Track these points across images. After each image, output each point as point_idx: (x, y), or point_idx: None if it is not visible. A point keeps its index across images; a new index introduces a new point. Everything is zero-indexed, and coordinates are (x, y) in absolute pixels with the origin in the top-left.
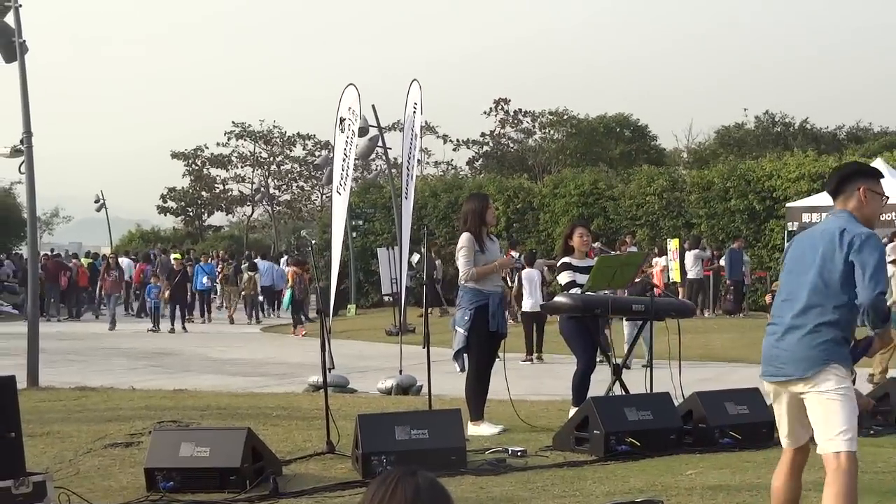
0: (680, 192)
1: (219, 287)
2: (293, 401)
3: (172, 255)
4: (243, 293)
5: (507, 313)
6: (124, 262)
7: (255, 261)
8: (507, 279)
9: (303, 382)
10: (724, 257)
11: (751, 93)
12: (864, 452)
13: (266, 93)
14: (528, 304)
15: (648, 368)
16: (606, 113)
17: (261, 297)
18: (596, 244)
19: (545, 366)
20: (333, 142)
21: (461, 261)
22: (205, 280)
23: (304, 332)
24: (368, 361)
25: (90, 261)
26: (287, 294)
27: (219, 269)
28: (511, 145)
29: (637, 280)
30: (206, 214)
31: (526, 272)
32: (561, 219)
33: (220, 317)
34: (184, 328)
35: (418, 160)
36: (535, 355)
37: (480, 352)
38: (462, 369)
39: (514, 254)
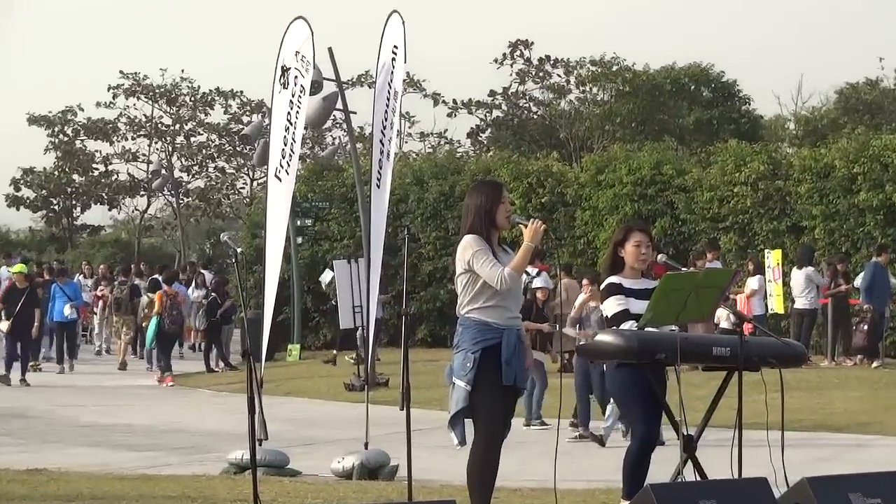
0: (784, 180)
1: (96, 319)
2: (205, 487)
3: (7, 268)
4: (144, 324)
5: (527, 357)
6: None
7: (156, 277)
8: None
9: (221, 459)
10: (861, 276)
11: (890, 36)
12: None
13: (171, 29)
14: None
15: (736, 441)
16: (675, 63)
17: None
18: (660, 257)
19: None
20: (271, 102)
21: (481, 266)
22: (66, 310)
23: (170, 381)
24: (319, 429)
25: None
26: (151, 325)
27: (97, 292)
28: (534, 109)
29: (721, 308)
30: (78, 208)
31: (566, 282)
32: (607, 219)
33: (95, 359)
34: (22, 380)
35: (397, 130)
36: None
37: (489, 415)
38: (461, 442)
39: (532, 270)
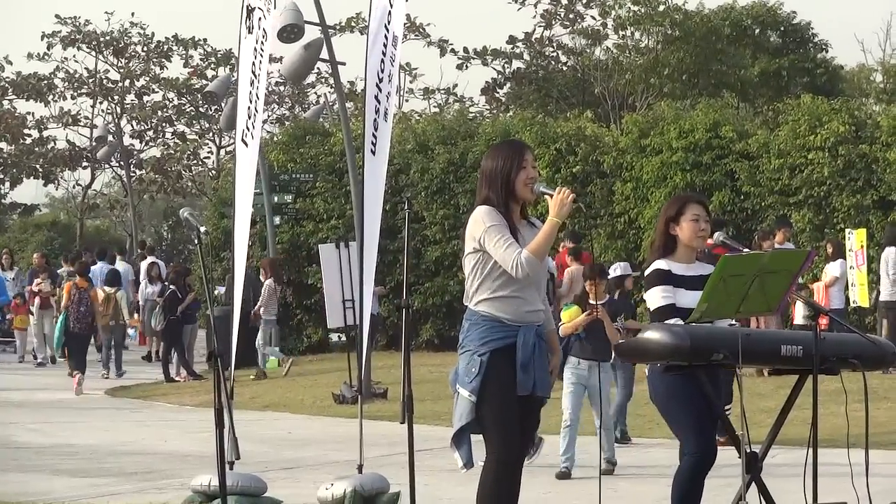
0: (870, 144)
1: (32, 319)
2: None
3: None
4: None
5: (554, 358)
6: None
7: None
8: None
9: (183, 486)
10: None
11: None
12: None
13: None
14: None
15: (811, 461)
16: (736, 1)
17: (130, 331)
18: (717, 236)
19: (622, 450)
20: (238, 51)
21: (494, 246)
22: None
23: (76, 385)
24: (303, 450)
25: None
26: (58, 323)
27: (32, 286)
28: (563, 59)
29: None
30: (7, 184)
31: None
32: (653, 192)
33: (28, 369)
34: None
35: (396, 86)
36: None
37: (501, 434)
38: (466, 464)
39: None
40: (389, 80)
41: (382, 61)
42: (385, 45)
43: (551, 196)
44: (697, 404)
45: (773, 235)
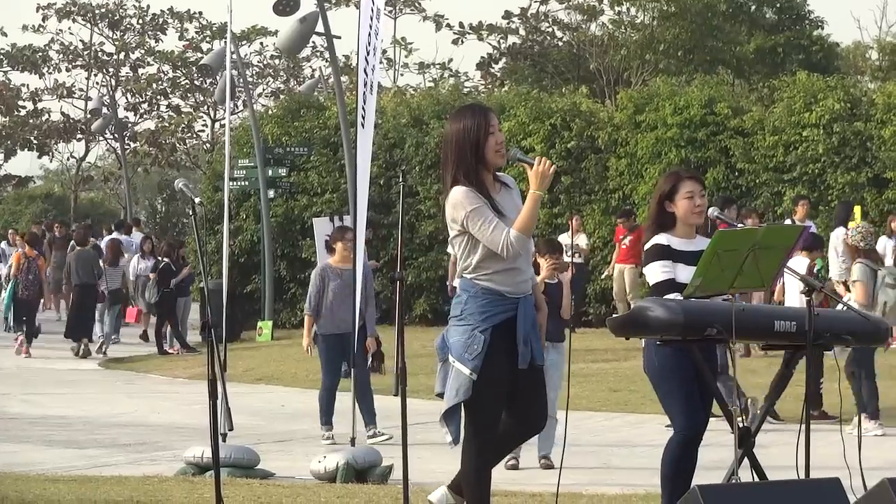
0: (865, 121)
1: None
2: (157, 491)
3: None
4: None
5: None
6: None
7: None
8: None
9: (176, 458)
10: None
11: None
12: None
13: None
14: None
15: (803, 433)
16: None
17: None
18: (710, 210)
19: (611, 427)
20: (231, 23)
21: (479, 230)
22: None
23: (26, 352)
24: (296, 423)
25: None
26: (7, 291)
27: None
28: (559, 34)
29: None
30: (1, 155)
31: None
32: (647, 168)
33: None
34: None
35: (388, 59)
36: None
37: (488, 414)
38: (455, 440)
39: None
40: (375, 52)
41: (369, 34)
42: (371, 17)
43: (529, 165)
44: (689, 381)
45: (751, 214)
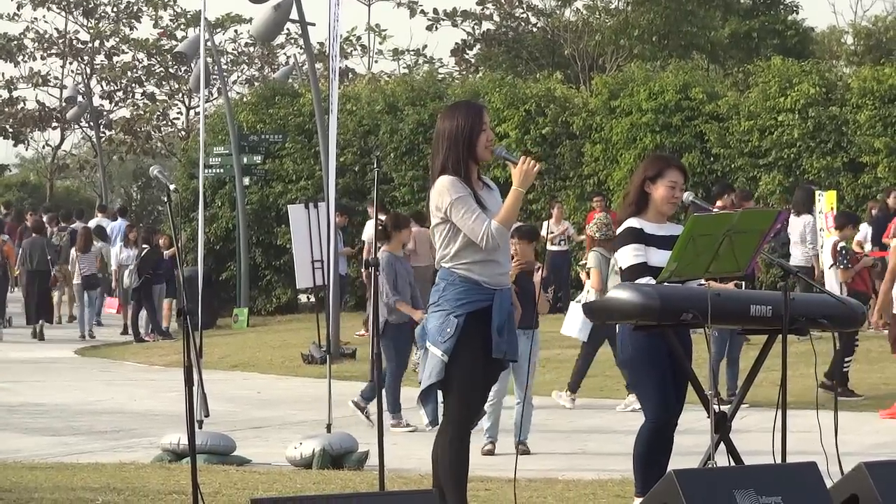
0: (840, 106)
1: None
2: (134, 478)
3: None
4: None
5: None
6: None
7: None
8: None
9: (153, 445)
10: None
11: None
12: None
13: None
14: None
15: (780, 420)
16: None
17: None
18: (687, 196)
19: (587, 413)
20: (204, 10)
21: (461, 218)
22: None
23: None
24: (272, 409)
25: None
26: None
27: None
28: (533, 20)
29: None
30: None
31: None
32: (622, 154)
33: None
34: None
35: (362, 46)
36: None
37: (465, 397)
38: (432, 422)
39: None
40: (336, 38)
41: (334, 16)
42: (335, 5)
43: (514, 163)
44: (663, 367)
45: (722, 195)
